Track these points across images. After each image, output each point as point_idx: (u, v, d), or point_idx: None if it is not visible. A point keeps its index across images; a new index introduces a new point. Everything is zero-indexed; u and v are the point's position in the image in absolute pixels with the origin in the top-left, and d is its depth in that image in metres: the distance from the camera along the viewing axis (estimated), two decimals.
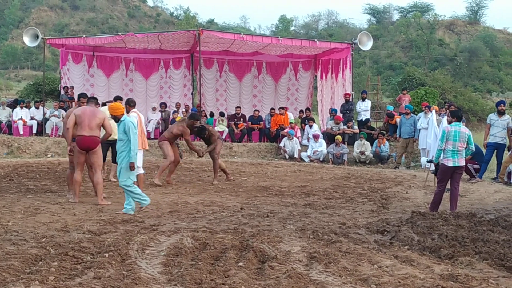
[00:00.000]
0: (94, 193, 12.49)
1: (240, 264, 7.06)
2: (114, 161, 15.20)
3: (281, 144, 23.49)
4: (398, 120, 22.38)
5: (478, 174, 17.10)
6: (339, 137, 22.15)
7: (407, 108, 21.73)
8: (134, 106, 14.12)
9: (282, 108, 25.82)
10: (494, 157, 17.54)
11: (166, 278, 6.63)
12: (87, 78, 27.27)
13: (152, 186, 14.75)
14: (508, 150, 17.11)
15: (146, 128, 25.10)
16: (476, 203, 13.31)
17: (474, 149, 12.16)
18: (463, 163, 12.07)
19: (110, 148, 14.77)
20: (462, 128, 12.04)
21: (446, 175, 12.16)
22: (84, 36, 26.06)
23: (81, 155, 12.00)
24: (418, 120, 20.97)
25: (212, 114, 26.30)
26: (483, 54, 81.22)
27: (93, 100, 12.61)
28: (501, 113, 17.26)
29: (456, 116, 12.56)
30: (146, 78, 28.12)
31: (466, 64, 76.97)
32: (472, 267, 7.26)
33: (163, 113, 25.85)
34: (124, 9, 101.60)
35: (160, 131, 25.53)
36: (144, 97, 28.02)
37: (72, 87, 25.96)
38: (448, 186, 12.27)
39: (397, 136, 21.87)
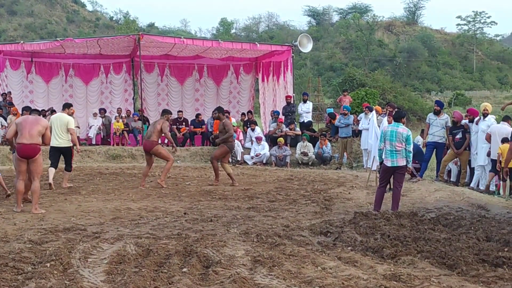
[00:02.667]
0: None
1: (184, 270, 7.02)
2: (67, 169, 15.85)
3: None
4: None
5: (418, 173, 17.37)
6: (281, 139, 22.26)
7: (345, 109, 21.98)
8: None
9: (227, 112, 25.79)
10: (434, 156, 17.86)
11: (109, 286, 6.54)
12: (25, 84, 26.79)
13: (94, 192, 14.56)
14: (447, 149, 17.40)
15: (87, 134, 24.88)
16: (418, 202, 13.50)
17: (410, 150, 12.29)
18: (402, 163, 12.13)
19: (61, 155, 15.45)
20: (399, 128, 12.16)
21: (385, 174, 12.35)
22: (22, 42, 25.65)
23: (22, 163, 11.79)
24: (359, 120, 21.26)
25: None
26: (422, 54, 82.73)
27: (36, 111, 12.55)
28: (438, 113, 17.56)
29: (394, 116, 12.80)
30: (86, 84, 27.75)
31: (405, 64, 78.31)
32: (414, 266, 7.35)
33: (104, 119, 25.61)
34: (62, 14, 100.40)
35: (102, 136, 25.32)
36: (85, 103, 27.68)
37: (10, 93, 25.47)
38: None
39: (338, 136, 22.08)
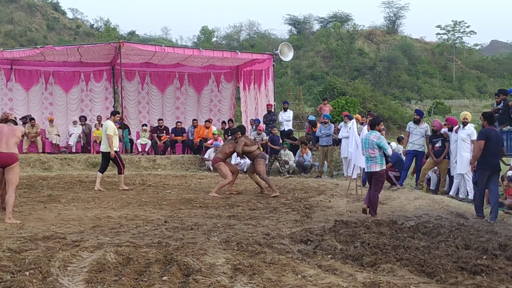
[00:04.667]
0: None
1: (164, 278, 7.01)
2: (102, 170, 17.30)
3: (206, 156, 23.49)
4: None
5: (398, 181, 17.46)
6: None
7: (325, 117, 22.04)
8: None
9: (208, 121, 25.80)
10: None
11: None
12: (5, 92, 26.62)
13: (74, 200, 14.50)
14: (426, 158, 17.51)
15: (67, 142, 24.78)
16: (397, 210, 13.56)
17: (389, 153, 12.70)
18: (375, 169, 12.64)
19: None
20: (371, 135, 12.83)
21: (368, 180, 13.02)
22: (2, 49, 25.50)
23: None
24: (340, 129, 21.35)
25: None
26: (402, 63, 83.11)
27: (12, 121, 12.48)
28: (418, 121, 17.68)
29: (369, 124, 13.23)
30: (67, 92, 27.62)
31: (386, 73, 78.63)
32: (394, 274, 7.38)
33: (84, 127, 25.53)
34: (43, 21, 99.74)
35: (82, 144, 25.23)
36: (65, 111, 27.54)
37: None
38: None
39: (319, 145, 22.13)
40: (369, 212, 12.47)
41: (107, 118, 18.13)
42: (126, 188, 16.96)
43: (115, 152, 17.01)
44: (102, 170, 17.29)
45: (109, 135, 16.85)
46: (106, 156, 17.19)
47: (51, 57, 25.94)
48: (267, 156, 17.51)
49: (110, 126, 17.04)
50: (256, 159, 16.42)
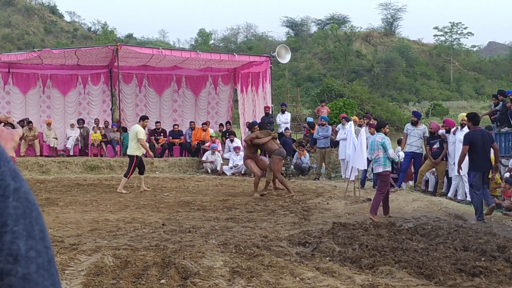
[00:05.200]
0: None
1: (162, 281, 6.99)
2: (141, 172, 17.74)
3: (204, 158, 23.49)
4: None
5: (396, 183, 17.45)
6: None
7: (322, 119, 22.03)
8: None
9: (205, 124, 25.77)
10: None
11: None
12: (2, 95, 26.56)
13: (72, 204, 14.48)
14: (425, 159, 17.51)
15: (65, 145, 24.71)
16: (395, 212, 13.55)
17: (390, 154, 12.76)
18: (379, 170, 12.96)
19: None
20: (377, 137, 12.89)
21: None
22: None
23: None
24: (338, 131, 21.36)
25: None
26: (399, 65, 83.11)
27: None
28: (415, 123, 17.68)
29: (375, 127, 13.42)
30: (64, 95, 27.54)
31: (383, 75, 78.63)
32: (392, 276, 7.37)
33: (82, 130, 25.50)
34: (40, 24, 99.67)
35: (79, 147, 25.19)
36: (62, 114, 27.48)
37: None
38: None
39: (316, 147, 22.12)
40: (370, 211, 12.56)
41: (137, 123, 18.38)
42: (124, 192, 16.94)
43: (137, 156, 17.19)
44: (141, 172, 17.75)
45: (141, 139, 17.15)
46: (137, 159, 17.40)
47: (49, 60, 25.88)
48: (285, 153, 17.38)
49: (140, 131, 17.33)
50: (272, 156, 16.49)
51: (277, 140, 17.63)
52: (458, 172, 13.65)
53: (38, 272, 1.10)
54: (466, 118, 13.27)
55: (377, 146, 12.81)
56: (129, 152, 17.49)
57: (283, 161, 17.44)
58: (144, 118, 18.08)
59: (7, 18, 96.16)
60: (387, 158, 12.81)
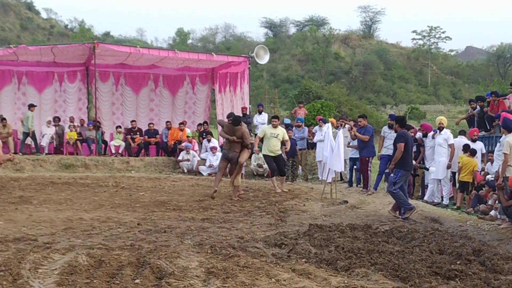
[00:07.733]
0: None
1: (137, 281, 6.92)
2: (281, 173, 17.85)
3: (180, 158, 23.40)
4: None
5: (373, 186, 17.50)
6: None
7: (298, 121, 22.05)
8: None
9: (182, 123, 25.67)
10: None
11: None
12: None
13: (46, 202, 14.34)
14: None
15: (40, 142, 24.47)
16: (372, 214, 13.58)
17: None
18: None
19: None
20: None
21: None
22: None
23: None
24: (314, 133, 21.37)
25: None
26: (377, 68, 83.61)
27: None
28: (392, 126, 17.71)
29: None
30: (40, 92, 27.27)
31: (361, 77, 79.08)
32: (368, 279, 7.35)
33: (57, 128, 25.30)
34: (16, 20, 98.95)
35: (54, 145, 24.99)
36: (38, 111, 27.16)
37: None
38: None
39: None
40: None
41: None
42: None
43: None
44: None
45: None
46: None
47: (25, 57, 25.61)
48: (228, 155, 16.94)
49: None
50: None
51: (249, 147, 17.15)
52: (391, 170, 13.77)
53: None
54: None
55: None
56: None
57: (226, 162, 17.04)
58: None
59: None
60: None
